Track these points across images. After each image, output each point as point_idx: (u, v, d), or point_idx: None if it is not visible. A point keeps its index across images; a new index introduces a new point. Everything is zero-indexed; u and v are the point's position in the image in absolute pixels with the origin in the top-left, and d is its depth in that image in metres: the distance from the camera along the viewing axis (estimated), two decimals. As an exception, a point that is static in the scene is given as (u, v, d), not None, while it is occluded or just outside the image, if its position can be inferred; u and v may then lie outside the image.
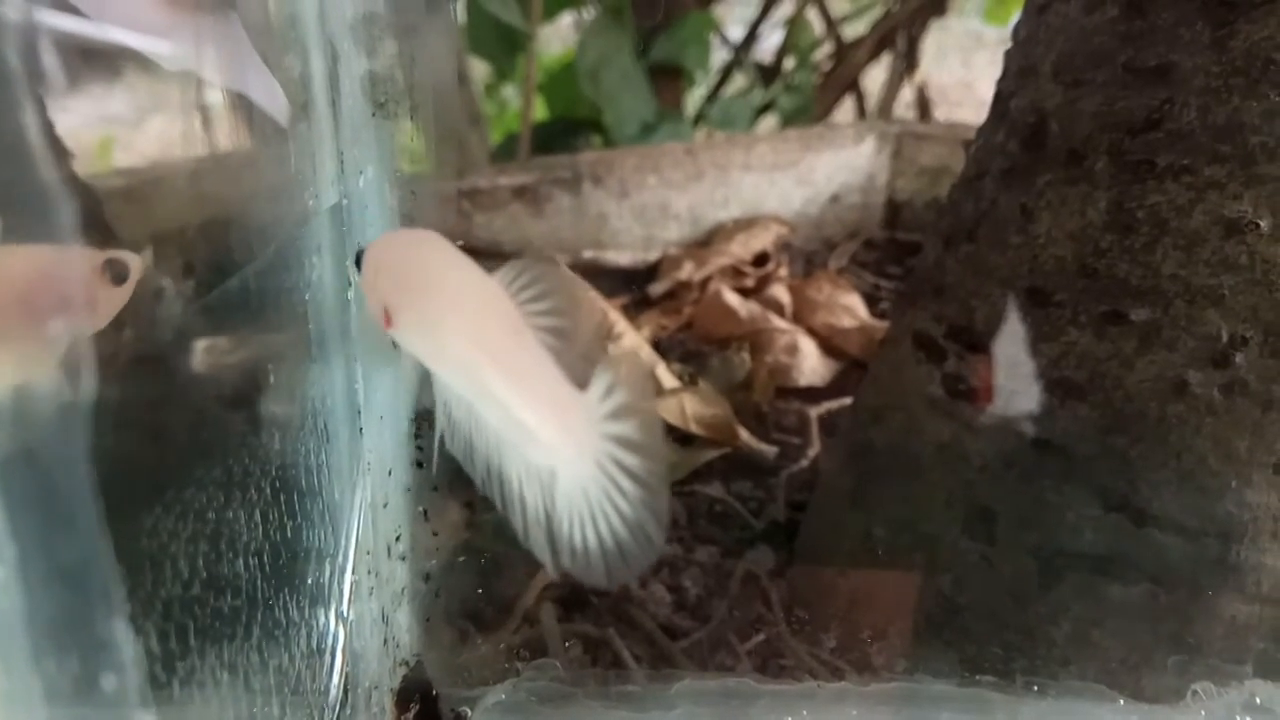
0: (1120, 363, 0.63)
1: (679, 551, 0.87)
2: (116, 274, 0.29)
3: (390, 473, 0.47)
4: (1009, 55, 0.74)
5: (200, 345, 0.31)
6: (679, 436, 1.00)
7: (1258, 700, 0.49)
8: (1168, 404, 0.61)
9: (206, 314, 0.32)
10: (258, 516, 0.34)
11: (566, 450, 0.39)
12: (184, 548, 0.28)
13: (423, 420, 0.46)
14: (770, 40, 2.22)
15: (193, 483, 0.29)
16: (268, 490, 0.35)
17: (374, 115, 0.42)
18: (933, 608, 0.69)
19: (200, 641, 0.28)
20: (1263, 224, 0.58)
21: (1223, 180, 0.59)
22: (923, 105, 2.06)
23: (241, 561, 0.32)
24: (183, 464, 0.29)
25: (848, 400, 1.06)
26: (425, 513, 0.47)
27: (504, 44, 1.73)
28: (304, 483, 0.39)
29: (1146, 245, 0.62)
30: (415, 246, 0.41)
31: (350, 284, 0.42)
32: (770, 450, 1.00)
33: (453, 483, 0.46)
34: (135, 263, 0.29)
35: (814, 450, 1.00)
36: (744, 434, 1.00)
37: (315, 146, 0.39)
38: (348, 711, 0.42)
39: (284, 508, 0.36)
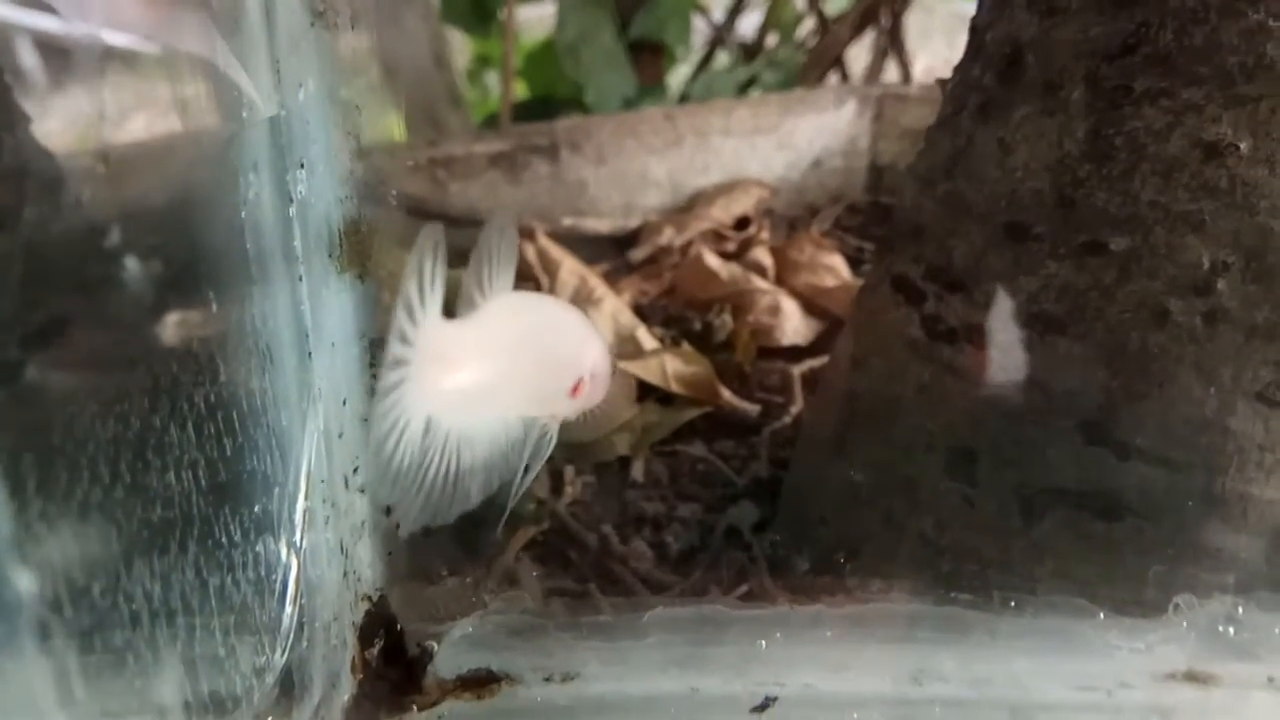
0: (1100, 294, 0.61)
1: (661, 509, 0.86)
2: None
3: (345, 402, 0.46)
4: (984, -12, 0.72)
5: (114, 253, 0.30)
6: (660, 396, 0.99)
7: (1239, 612, 0.48)
8: (1149, 334, 0.60)
9: (122, 224, 0.30)
10: (190, 431, 0.32)
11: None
12: (100, 446, 0.26)
13: (377, 348, 0.45)
14: (752, 17, 2.21)
15: (106, 381, 0.28)
16: (201, 405, 0.33)
17: (313, 25, 0.40)
18: (916, 550, 0.68)
19: (125, 546, 0.27)
20: (1242, 146, 0.57)
21: (1201, 103, 0.58)
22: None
23: (172, 474, 0.31)
24: (94, 360, 0.28)
25: (831, 358, 1.05)
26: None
27: (477, 11, 1.71)
28: (244, 404, 0.37)
29: (1125, 173, 0.60)
30: None
31: (292, 201, 0.40)
32: (753, 409, 0.99)
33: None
34: None
35: (797, 408, 0.99)
36: (726, 393, 0.99)
37: (248, 55, 0.37)
38: (304, 644, 0.41)
39: (221, 425, 0.35)
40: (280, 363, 0.41)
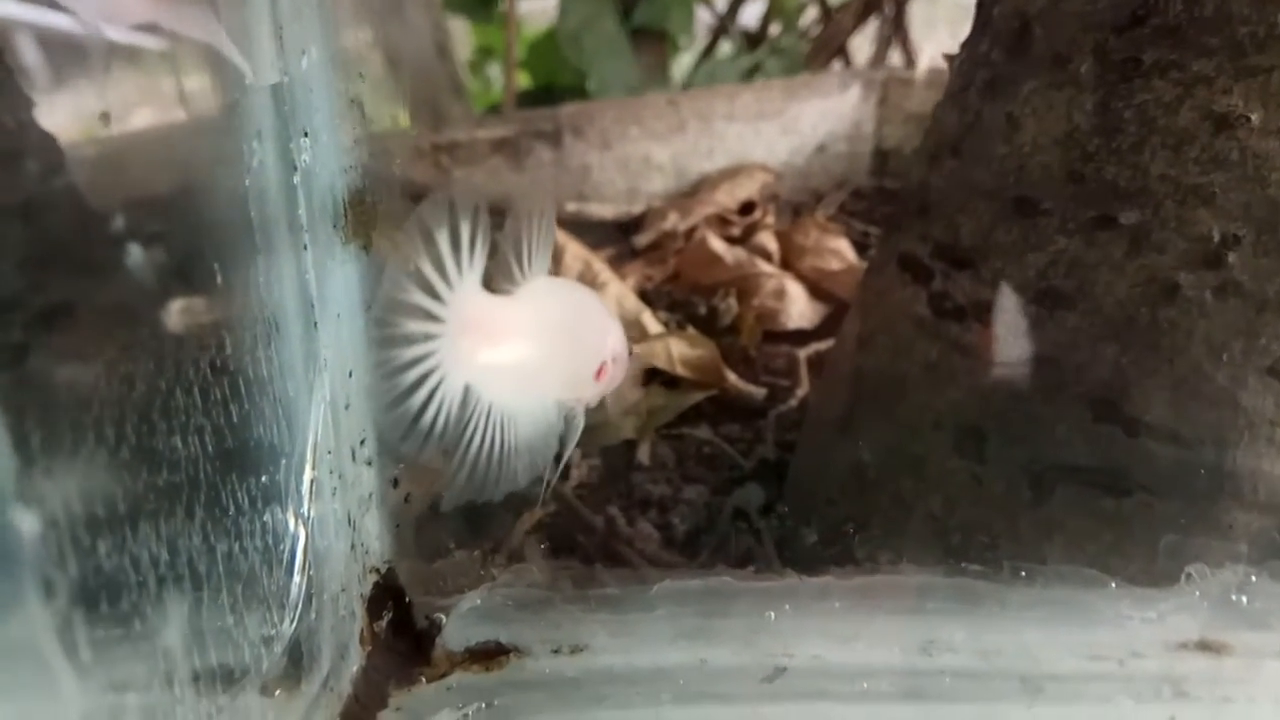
0: (1110, 268, 0.61)
1: (667, 491, 0.86)
2: None
3: (351, 374, 0.45)
4: (991, -37, 0.72)
5: (120, 222, 0.29)
6: (665, 380, 0.99)
7: (1252, 580, 0.48)
8: (1159, 308, 0.59)
9: (127, 193, 0.30)
10: (197, 398, 0.32)
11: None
12: (108, 412, 0.26)
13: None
14: (755, 6, 2.20)
15: (114, 352, 0.28)
16: (208, 373, 0.33)
17: (314, -10, 0.40)
18: (925, 529, 0.68)
19: (129, 506, 0.26)
20: (1253, 118, 0.56)
21: (1211, 74, 0.57)
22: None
23: (179, 440, 0.31)
24: (103, 332, 0.28)
25: (837, 341, 1.04)
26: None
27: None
28: (250, 374, 0.37)
29: (1134, 146, 0.60)
30: None
31: (296, 169, 0.40)
32: (759, 392, 0.99)
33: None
34: None
35: (803, 391, 0.99)
36: (731, 376, 0.99)
37: (250, 23, 0.37)
38: (312, 615, 0.41)
39: (228, 394, 0.35)
40: (286, 333, 0.40)
